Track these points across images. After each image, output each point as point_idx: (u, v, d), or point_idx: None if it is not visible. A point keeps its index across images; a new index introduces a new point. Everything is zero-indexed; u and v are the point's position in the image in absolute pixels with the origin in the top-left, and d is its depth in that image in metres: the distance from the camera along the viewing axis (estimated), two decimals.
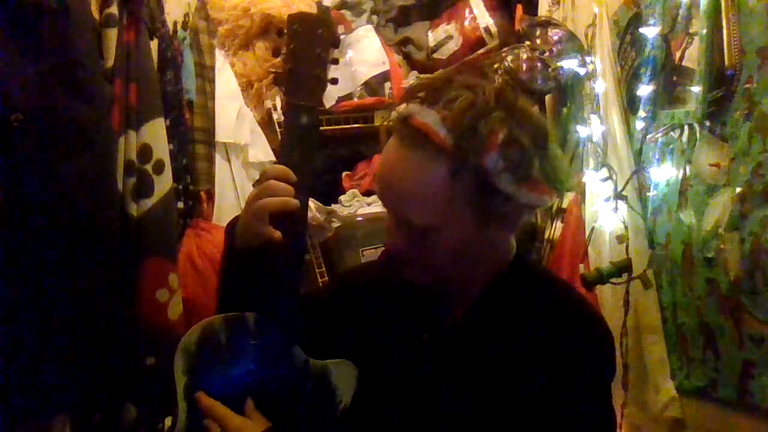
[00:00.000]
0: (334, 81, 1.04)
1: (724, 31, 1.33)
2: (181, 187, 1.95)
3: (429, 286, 1.00)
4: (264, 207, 0.94)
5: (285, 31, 1.02)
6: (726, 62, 1.33)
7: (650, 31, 1.60)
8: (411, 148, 0.90)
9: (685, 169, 1.50)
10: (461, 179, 0.88)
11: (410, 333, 1.03)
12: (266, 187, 0.95)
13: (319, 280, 2.46)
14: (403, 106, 0.92)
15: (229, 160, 2.37)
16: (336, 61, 1.04)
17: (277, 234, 0.94)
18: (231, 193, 2.33)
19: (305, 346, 1.00)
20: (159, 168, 1.62)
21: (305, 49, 1.00)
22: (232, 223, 1.03)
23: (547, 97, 2.11)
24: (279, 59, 1.02)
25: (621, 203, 1.62)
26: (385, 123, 0.95)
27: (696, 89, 1.42)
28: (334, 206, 2.56)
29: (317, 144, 1.01)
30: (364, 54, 2.70)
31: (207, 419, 0.96)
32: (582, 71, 1.89)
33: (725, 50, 1.33)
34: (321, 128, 2.56)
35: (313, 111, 1.00)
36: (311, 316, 1.08)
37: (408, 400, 1.00)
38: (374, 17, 2.89)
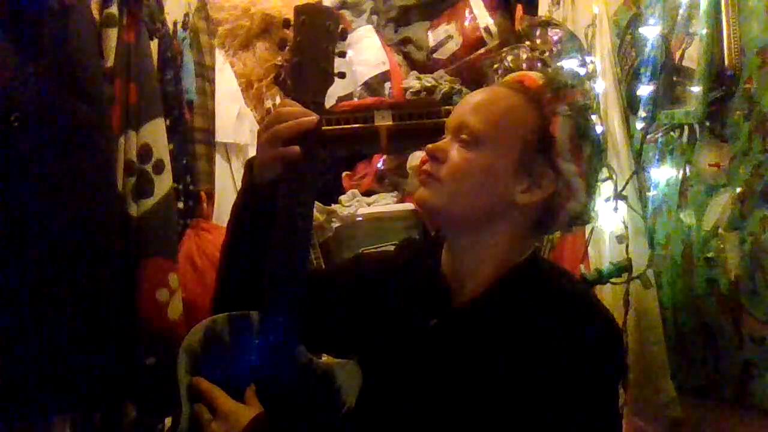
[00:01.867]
0: (342, 75, 1.04)
1: (724, 31, 1.33)
2: (181, 187, 1.94)
3: (442, 214, 1.04)
4: (276, 133, 0.98)
5: (292, 23, 1.02)
6: (726, 62, 1.33)
7: (650, 31, 1.60)
8: (510, 89, 1.07)
9: (685, 169, 1.50)
10: (532, 124, 1.03)
11: (417, 318, 1.03)
12: (277, 113, 0.99)
13: None
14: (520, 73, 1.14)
15: (229, 160, 2.36)
16: (343, 54, 1.04)
17: (295, 149, 0.97)
18: (231, 193, 2.32)
19: (310, 327, 1.01)
20: (159, 168, 1.61)
21: (313, 42, 1.00)
22: (251, 160, 1.05)
23: None
24: (285, 52, 1.02)
25: (621, 203, 1.62)
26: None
27: (696, 89, 1.42)
28: (334, 206, 2.56)
29: (321, 139, 1.01)
30: (364, 54, 2.70)
31: (198, 404, 0.97)
32: (582, 71, 1.89)
33: (725, 50, 1.33)
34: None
35: (319, 106, 1.00)
36: (318, 295, 1.08)
37: (411, 386, 1.00)
38: (374, 17, 2.88)
